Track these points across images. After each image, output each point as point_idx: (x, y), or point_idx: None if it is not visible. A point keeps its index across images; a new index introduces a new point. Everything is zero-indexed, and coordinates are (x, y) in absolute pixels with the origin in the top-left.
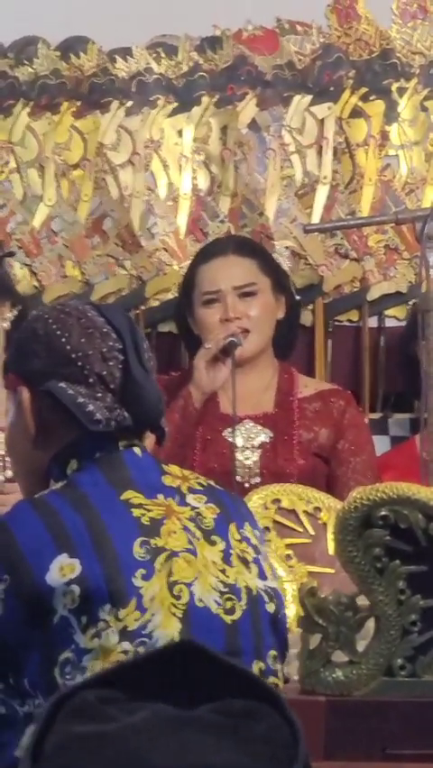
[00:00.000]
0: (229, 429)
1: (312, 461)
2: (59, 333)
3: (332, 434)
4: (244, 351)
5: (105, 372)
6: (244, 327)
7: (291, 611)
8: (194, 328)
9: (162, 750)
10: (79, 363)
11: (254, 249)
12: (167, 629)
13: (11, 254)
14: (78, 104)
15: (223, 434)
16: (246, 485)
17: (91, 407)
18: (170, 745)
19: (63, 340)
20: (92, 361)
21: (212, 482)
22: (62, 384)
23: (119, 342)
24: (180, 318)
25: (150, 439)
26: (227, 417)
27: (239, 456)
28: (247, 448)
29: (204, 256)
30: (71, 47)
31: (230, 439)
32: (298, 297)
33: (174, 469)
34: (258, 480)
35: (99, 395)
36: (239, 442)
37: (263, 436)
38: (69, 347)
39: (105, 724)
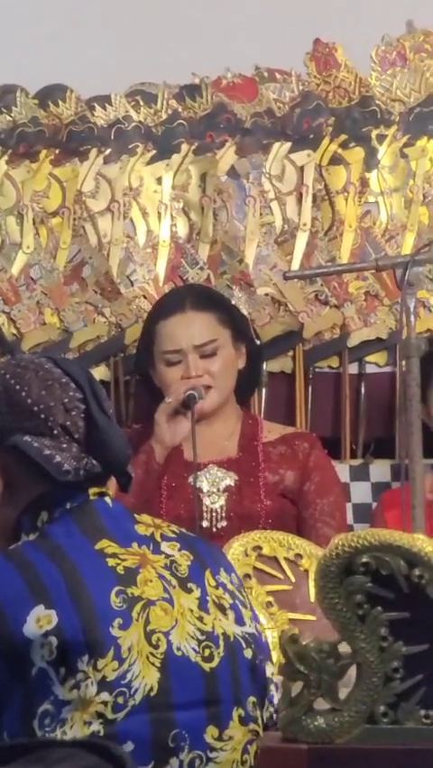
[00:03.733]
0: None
1: (280, 503)
2: (17, 387)
3: (298, 477)
4: (206, 406)
5: (68, 423)
6: (206, 384)
7: (271, 652)
8: (156, 381)
9: None
10: (42, 416)
11: (212, 301)
12: (145, 679)
13: None
14: (57, 151)
15: (188, 480)
16: (213, 529)
17: (59, 459)
18: None
19: (23, 394)
20: (54, 412)
21: (184, 530)
22: (27, 438)
23: (79, 392)
24: (141, 370)
25: (112, 486)
26: (191, 464)
27: (205, 501)
28: (213, 492)
29: (162, 311)
30: (50, 95)
31: (194, 485)
32: (258, 342)
33: (145, 518)
34: (225, 523)
35: (65, 446)
36: (204, 487)
37: (228, 480)
38: (29, 400)
39: None
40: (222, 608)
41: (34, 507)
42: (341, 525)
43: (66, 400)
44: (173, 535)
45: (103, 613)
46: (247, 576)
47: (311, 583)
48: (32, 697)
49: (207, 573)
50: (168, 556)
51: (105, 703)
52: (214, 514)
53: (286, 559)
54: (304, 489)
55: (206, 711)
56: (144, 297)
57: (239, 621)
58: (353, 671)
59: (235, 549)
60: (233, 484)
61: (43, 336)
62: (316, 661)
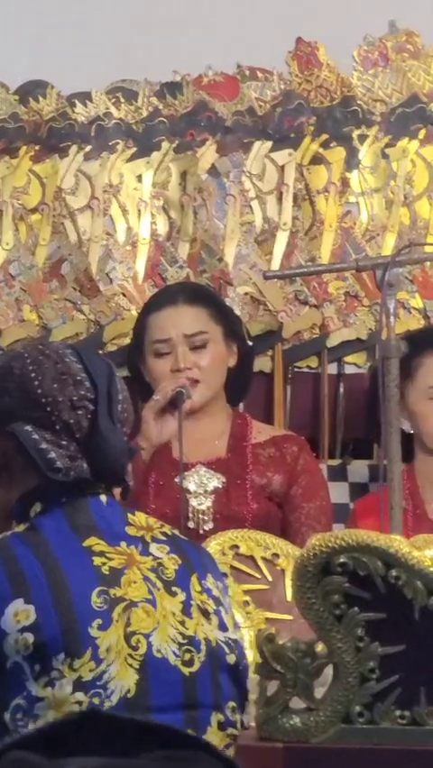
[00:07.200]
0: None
1: (266, 506)
2: (33, 375)
3: (285, 480)
4: (194, 402)
5: (72, 420)
6: (195, 378)
7: (249, 657)
8: (145, 376)
9: None
10: (48, 408)
11: (205, 297)
12: (123, 680)
13: None
14: (37, 148)
15: (175, 480)
16: (200, 531)
17: (53, 455)
18: None
19: (36, 383)
20: (61, 407)
21: (176, 532)
22: (28, 427)
23: (91, 392)
24: (132, 366)
25: (116, 493)
26: (179, 463)
27: (192, 502)
28: (200, 494)
29: (155, 305)
30: (30, 91)
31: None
32: (250, 344)
33: (140, 517)
34: (211, 525)
35: (63, 442)
36: (192, 487)
37: (216, 481)
38: (40, 391)
39: None
40: (206, 613)
41: (30, 496)
42: (326, 529)
43: (75, 398)
44: (164, 538)
45: (82, 613)
46: (224, 575)
47: (288, 583)
48: (6, 689)
49: (194, 578)
50: (155, 558)
51: (79, 703)
52: (200, 515)
53: (263, 558)
54: (291, 492)
55: (183, 715)
56: (123, 295)
57: (222, 627)
58: (329, 670)
59: (213, 548)
60: (220, 486)
61: (22, 333)
62: (292, 660)
